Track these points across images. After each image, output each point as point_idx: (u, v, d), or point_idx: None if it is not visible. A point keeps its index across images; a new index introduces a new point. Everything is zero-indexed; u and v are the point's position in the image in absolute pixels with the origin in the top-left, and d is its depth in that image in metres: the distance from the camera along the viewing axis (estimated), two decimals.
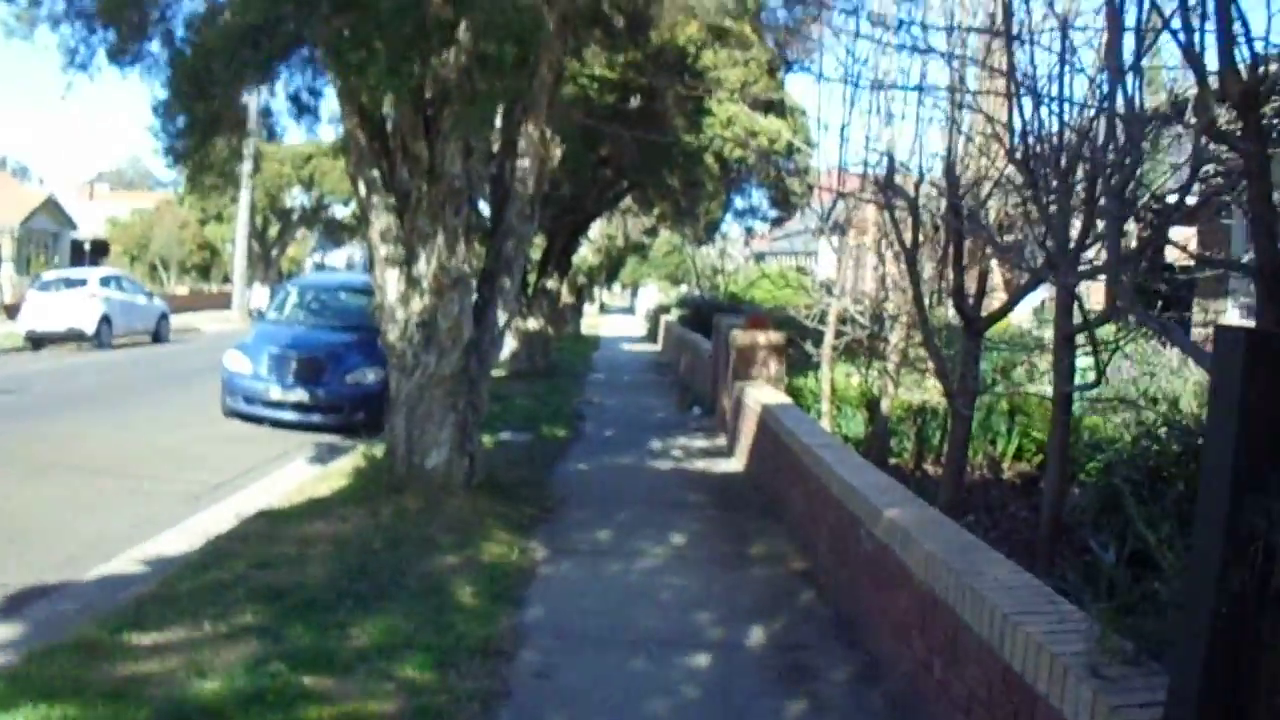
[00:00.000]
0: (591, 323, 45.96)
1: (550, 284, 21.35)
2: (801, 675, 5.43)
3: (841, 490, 6.57)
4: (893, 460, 11.05)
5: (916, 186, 8.30)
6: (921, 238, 10.08)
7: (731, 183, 19.95)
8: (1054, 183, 6.03)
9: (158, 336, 28.61)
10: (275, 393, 13.80)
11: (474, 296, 8.90)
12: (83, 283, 25.91)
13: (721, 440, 13.46)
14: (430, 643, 5.51)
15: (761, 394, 11.08)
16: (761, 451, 10.39)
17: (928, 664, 4.74)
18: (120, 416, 14.27)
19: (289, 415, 13.72)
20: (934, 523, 5.41)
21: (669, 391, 20.15)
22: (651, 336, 38.00)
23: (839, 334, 12.15)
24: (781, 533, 8.50)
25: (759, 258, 41.50)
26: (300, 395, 13.71)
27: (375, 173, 8.61)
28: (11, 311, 29.04)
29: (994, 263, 10.79)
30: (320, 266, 60.10)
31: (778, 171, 19.59)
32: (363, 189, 8.67)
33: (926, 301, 12.57)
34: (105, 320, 25.53)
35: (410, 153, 8.57)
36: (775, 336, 12.73)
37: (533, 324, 21.06)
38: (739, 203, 22.62)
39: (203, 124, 8.15)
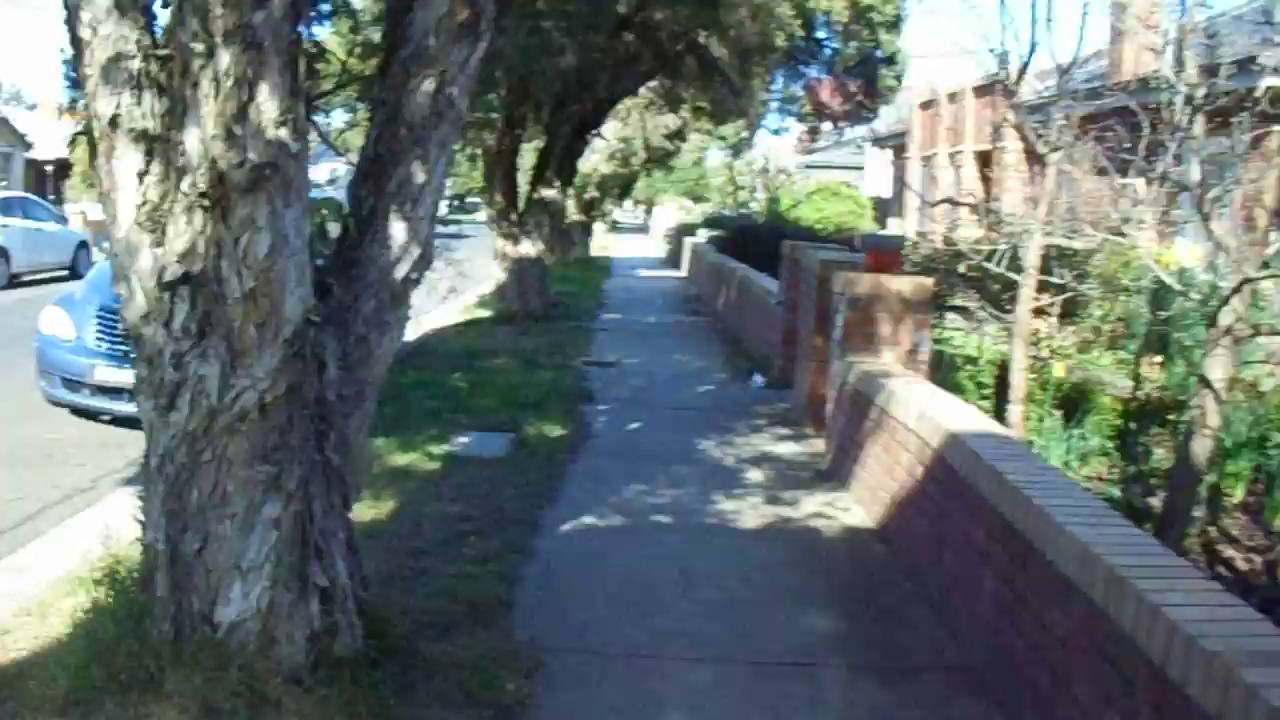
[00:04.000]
0: (602, 243, 40.46)
1: (549, 194, 16.01)
2: None
3: None
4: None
5: None
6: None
7: (800, 56, 14.58)
8: None
9: (75, 270, 23.24)
10: (103, 371, 8.63)
11: (309, 209, 3.71)
12: None
13: (817, 444, 8.35)
14: None
15: (923, 398, 5.90)
16: (936, 521, 5.30)
17: None
18: None
19: (128, 406, 8.49)
20: None
21: (708, 341, 14.98)
22: (673, 261, 32.66)
23: (1048, 288, 6.94)
24: None
25: (810, 169, 36.13)
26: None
27: None
28: None
29: None
30: None
31: (863, 51, 14.22)
32: None
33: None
34: (1, 256, 20.46)
35: None
36: (916, 285, 7.51)
37: (526, 248, 15.80)
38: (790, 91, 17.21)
39: None
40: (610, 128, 24.40)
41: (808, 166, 38.73)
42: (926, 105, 27.54)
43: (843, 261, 8.79)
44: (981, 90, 24.40)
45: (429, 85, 3.94)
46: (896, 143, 32.07)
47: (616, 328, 15.90)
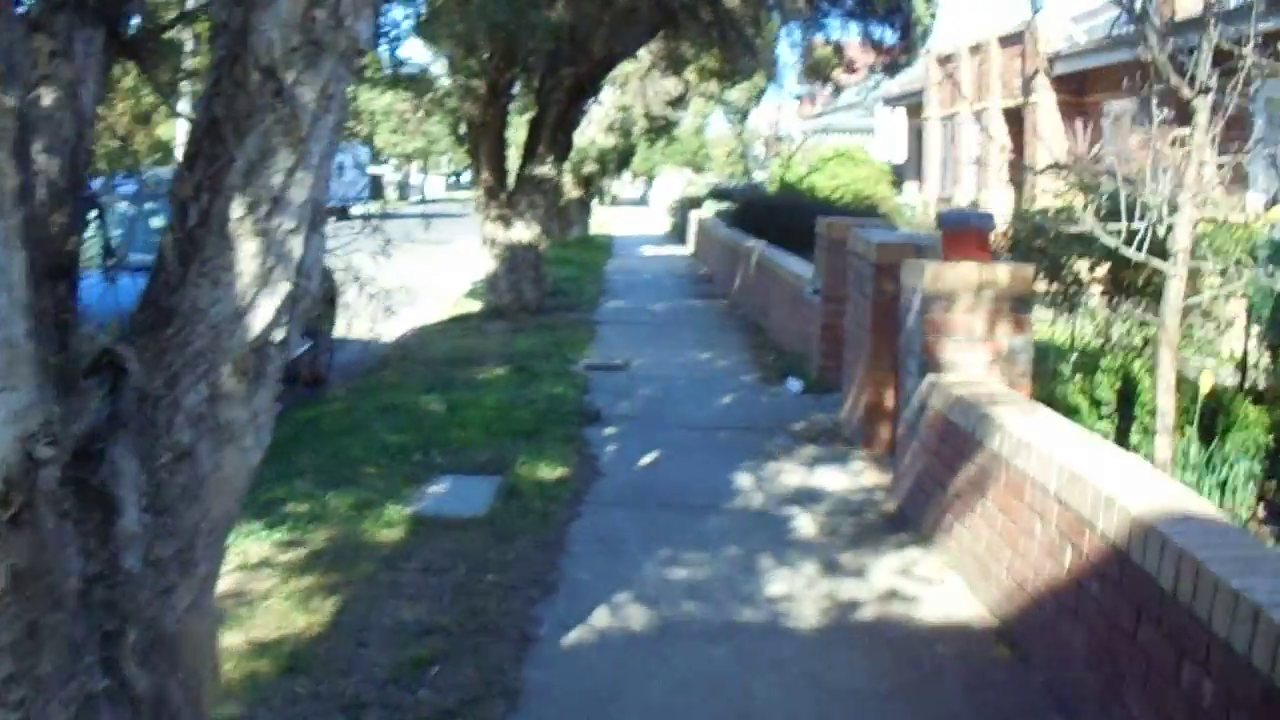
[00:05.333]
0: (601, 220, 38.57)
1: (543, 170, 14.22)
2: None
3: None
4: None
5: None
6: None
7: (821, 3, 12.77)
8: None
9: None
10: None
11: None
12: None
13: (875, 471, 6.68)
14: None
15: (1062, 446, 4.19)
16: (1106, 637, 3.60)
17: None
18: None
19: None
20: None
21: (727, 330, 13.29)
22: (678, 235, 30.86)
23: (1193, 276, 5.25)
24: None
25: (817, 134, 34.28)
26: None
27: None
28: None
29: None
30: None
31: None
32: None
33: None
34: None
35: None
36: (1014, 275, 5.79)
37: (519, 232, 14.06)
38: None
39: None
40: (608, 95, 22.57)
41: (816, 132, 36.85)
42: (945, 60, 25.70)
43: (906, 244, 7.09)
44: (1008, 40, 22.59)
45: None
46: (911, 102, 30.24)
47: (622, 319, 14.17)
